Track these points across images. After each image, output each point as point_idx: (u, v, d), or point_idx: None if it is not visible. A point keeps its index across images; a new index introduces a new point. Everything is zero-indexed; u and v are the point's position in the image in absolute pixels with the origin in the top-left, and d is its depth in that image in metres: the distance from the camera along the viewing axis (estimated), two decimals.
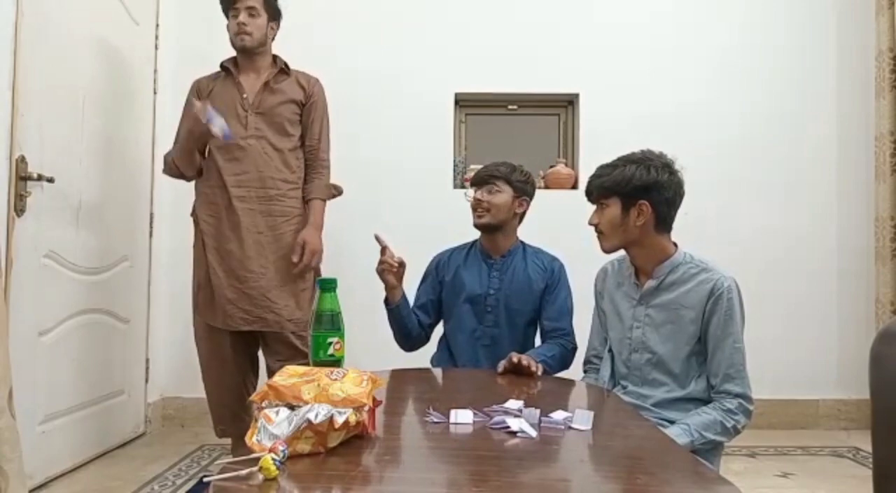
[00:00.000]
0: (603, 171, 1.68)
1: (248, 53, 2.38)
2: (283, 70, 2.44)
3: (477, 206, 2.06)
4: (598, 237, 1.70)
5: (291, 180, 2.40)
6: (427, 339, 2.18)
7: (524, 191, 2.08)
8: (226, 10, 2.39)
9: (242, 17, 2.34)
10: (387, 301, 2.07)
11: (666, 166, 1.63)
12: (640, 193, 1.61)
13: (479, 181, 2.09)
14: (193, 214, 2.44)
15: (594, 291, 1.87)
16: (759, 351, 3.13)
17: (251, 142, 2.33)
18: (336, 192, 2.56)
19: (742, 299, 1.59)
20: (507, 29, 3.34)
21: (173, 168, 2.42)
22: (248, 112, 2.35)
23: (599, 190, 1.67)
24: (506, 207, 2.05)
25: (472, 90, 3.36)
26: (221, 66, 2.43)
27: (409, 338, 2.12)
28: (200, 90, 2.41)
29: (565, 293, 2.09)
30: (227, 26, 2.40)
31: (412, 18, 3.33)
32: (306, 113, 2.45)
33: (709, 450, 1.56)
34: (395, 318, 2.08)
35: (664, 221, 1.65)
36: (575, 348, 2.04)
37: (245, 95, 2.36)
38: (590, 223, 1.71)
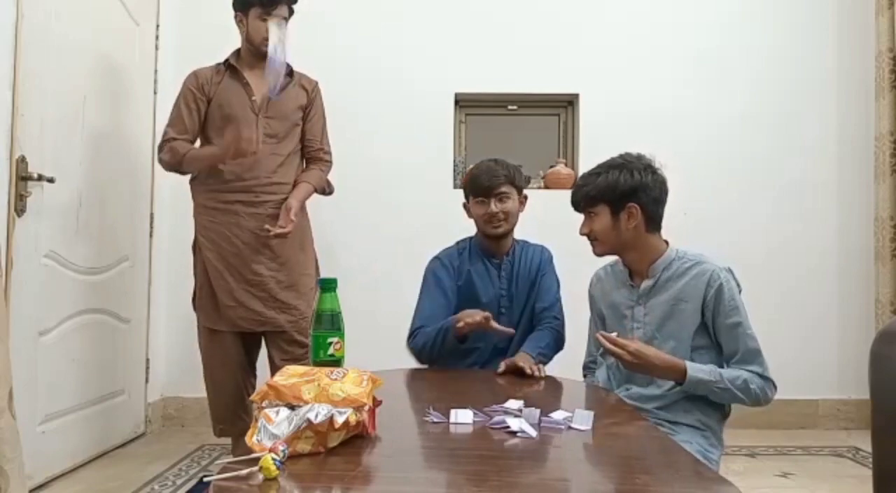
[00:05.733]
0: (587, 180, 1.69)
1: (260, 55, 2.35)
2: (288, 72, 2.42)
3: (493, 218, 1.99)
4: (592, 243, 1.71)
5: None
6: None
7: (521, 188, 2.07)
8: (246, 8, 2.32)
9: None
10: (459, 337, 1.90)
11: (648, 167, 1.65)
12: (628, 197, 1.63)
13: (485, 192, 1.98)
14: (194, 218, 2.42)
15: (588, 297, 1.88)
16: None
17: (260, 146, 2.31)
18: (328, 189, 2.56)
19: (739, 285, 1.62)
20: (507, 29, 3.34)
21: (177, 166, 2.37)
22: (259, 116, 2.34)
23: (586, 199, 1.68)
24: (517, 211, 2.05)
25: (472, 90, 3.37)
26: (226, 63, 2.39)
27: (442, 353, 1.96)
28: (204, 84, 2.35)
29: (552, 276, 2.09)
30: (246, 25, 2.33)
31: (412, 18, 3.33)
32: (307, 114, 2.47)
33: (709, 452, 1.56)
34: (451, 348, 1.93)
35: (654, 221, 1.67)
36: (563, 325, 2.02)
37: (254, 98, 2.34)
38: (581, 233, 1.72)
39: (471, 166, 3.36)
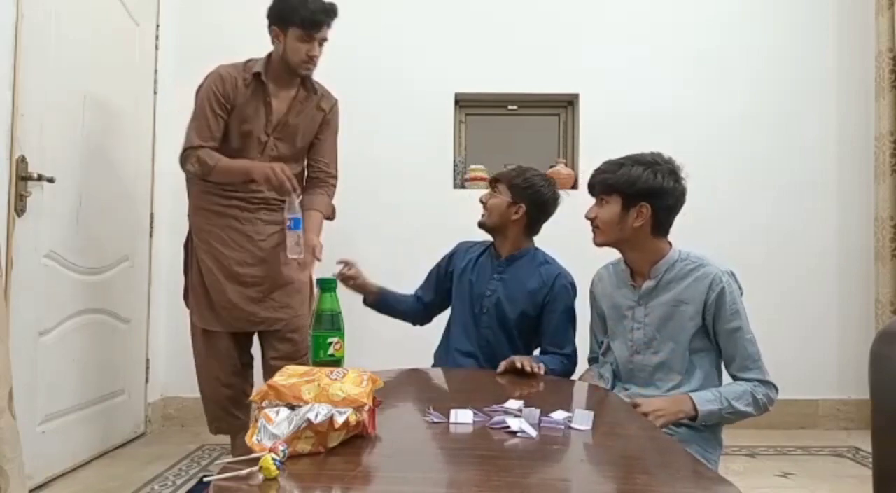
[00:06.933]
0: (609, 167, 1.67)
1: (294, 74, 2.29)
2: (313, 90, 2.36)
3: (483, 205, 2.09)
4: (594, 231, 1.71)
5: (297, 192, 2.40)
6: (427, 317, 2.21)
7: (522, 197, 2.01)
8: (285, 26, 2.21)
9: (316, 49, 2.25)
10: (365, 300, 2.14)
11: (672, 173, 1.64)
12: (643, 196, 1.61)
13: (490, 181, 2.13)
14: (189, 217, 2.40)
15: (589, 295, 1.87)
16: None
17: (267, 162, 2.29)
18: (332, 216, 2.53)
19: (741, 288, 1.62)
20: (507, 29, 3.34)
21: (203, 177, 2.27)
22: (270, 137, 2.31)
23: (602, 186, 1.67)
24: (498, 210, 2.02)
25: (472, 90, 3.37)
26: (255, 75, 2.26)
27: (406, 317, 2.19)
28: (230, 91, 2.24)
29: (566, 315, 2.00)
30: (284, 42, 2.23)
31: (412, 18, 3.33)
32: (320, 131, 2.42)
33: (709, 451, 1.57)
34: (380, 309, 2.15)
35: (661, 226, 1.66)
36: (576, 365, 2.01)
37: (271, 118, 2.29)
38: (587, 217, 1.71)
39: (473, 166, 3.39)
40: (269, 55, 2.32)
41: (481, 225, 2.08)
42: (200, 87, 2.31)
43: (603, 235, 1.68)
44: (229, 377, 2.39)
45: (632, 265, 1.71)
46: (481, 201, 2.09)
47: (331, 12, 2.25)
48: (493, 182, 2.10)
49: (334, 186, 2.48)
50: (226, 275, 2.30)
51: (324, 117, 2.41)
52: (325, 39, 2.28)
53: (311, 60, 2.27)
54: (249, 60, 2.32)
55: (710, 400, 1.54)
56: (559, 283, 2.00)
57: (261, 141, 2.30)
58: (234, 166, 2.25)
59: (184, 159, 2.29)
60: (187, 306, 2.44)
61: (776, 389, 1.59)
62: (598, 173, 1.69)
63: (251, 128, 2.29)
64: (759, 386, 1.56)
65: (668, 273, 1.64)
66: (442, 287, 2.16)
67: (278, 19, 2.24)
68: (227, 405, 2.40)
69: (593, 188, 1.70)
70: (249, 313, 2.30)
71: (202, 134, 2.25)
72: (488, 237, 2.14)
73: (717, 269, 1.60)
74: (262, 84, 2.28)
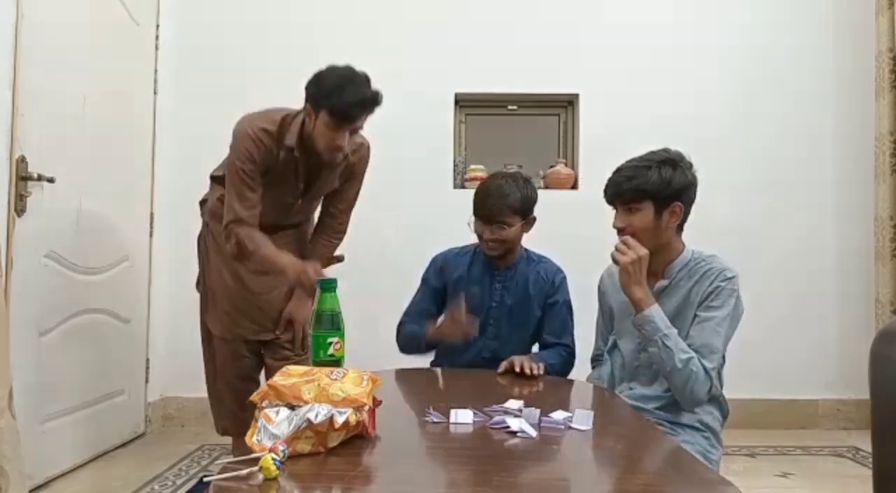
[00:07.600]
0: (634, 172, 1.59)
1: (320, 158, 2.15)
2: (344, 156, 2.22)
3: (487, 242, 1.97)
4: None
5: (309, 220, 2.41)
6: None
7: (528, 211, 1.99)
8: (317, 107, 2.01)
9: (345, 139, 2.04)
10: (428, 342, 1.99)
11: (690, 166, 1.63)
12: (676, 196, 1.58)
13: (487, 219, 1.95)
14: (205, 222, 2.38)
15: (598, 293, 1.87)
16: (760, 351, 3.15)
17: (294, 220, 2.29)
18: (337, 260, 2.39)
19: (740, 295, 1.59)
20: (507, 29, 3.33)
21: (239, 256, 2.15)
22: (299, 201, 2.26)
23: (634, 193, 1.57)
24: (517, 235, 1.99)
25: (472, 90, 3.37)
26: (289, 148, 2.12)
27: (420, 354, 2.07)
28: (260, 159, 2.08)
29: (565, 307, 2.04)
30: (313, 122, 2.04)
31: (412, 18, 3.33)
32: (343, 177, 2.32)
33: (709, 453, 1.56)
34: (422, 349, 2.04)
35: (684, 222, 1.65)
36: (574, 355, 2.02)
37: (300, 184, 2.21)
38: (616, 226, 1.63)
39: (473, 166, 3.38)
40: (303, 121, 2.13)
41: (499, 256, 2.01)
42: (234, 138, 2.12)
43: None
44: (234, 380, 2.39)
45: (650, 265, 1.67)
46: (488, 239, 1.96)
47: (370, 104, 2.03)
48: (498, 219, 1.93)
49: (340, 237, 2.38)
50: (234, 279, 2.29)
51: (351, 170, 2.31)
52: (359, 128, 2.09)
53: (339, 150, 2.07)
54: (285, 117, 2.13)
55: (663, 322, 1.50)
56: (558, 278, 2.06)
57: (288, 203, 2.26)
58: (269, 262, 2.09)
59: (226, 234, 2.14)
60: (197, 290, 2.42)
61: (710, 392, 1.52)
62: (624, 181, 1.59)
63: (279, 192, 2.22)
64: (703, 372, 1.49)
65: (681, 272, 1.63)
66: (441, 302, 2.09)
67: (311, 97, 2.04)
68: (233, 406, 2.39)
69: (621, 197, 1.60)
70: (253, 321, 2.29)
71: (245, 203, 2.10)
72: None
73: (725, 266, 1.59)
74: (292, 155, 2.14)
